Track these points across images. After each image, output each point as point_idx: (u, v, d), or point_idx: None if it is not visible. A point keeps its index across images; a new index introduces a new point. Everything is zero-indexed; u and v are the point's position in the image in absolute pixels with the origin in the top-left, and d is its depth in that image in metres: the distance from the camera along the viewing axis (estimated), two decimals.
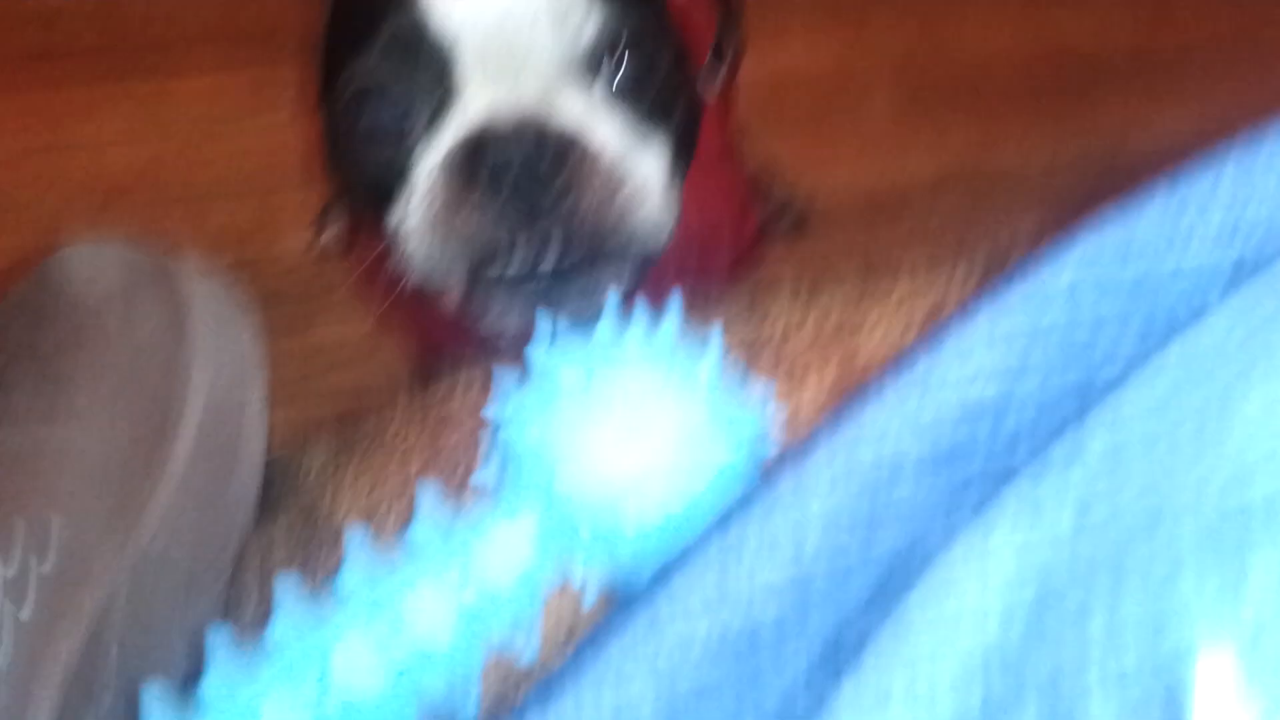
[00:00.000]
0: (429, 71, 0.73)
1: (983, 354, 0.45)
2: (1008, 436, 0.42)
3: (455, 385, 0.70)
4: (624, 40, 0.75)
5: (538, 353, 0.60)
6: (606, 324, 0.61)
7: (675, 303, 0.61)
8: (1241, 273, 0.44)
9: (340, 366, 1.43)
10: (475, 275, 0.74)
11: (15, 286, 0.75)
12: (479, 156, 0.71)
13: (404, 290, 0.88)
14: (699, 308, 0.76)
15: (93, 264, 0.74)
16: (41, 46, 1.66)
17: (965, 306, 0.49)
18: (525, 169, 0.70)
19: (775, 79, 1.65)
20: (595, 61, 0.75)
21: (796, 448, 0.43)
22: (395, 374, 1.38)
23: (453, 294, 0.77)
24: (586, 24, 0.74)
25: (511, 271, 0.73)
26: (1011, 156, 1.66)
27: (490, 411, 0.59)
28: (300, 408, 1.41)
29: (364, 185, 0.79)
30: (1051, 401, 0.42)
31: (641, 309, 0.62)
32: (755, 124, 1.57)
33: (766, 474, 0.42)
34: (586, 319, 0.78)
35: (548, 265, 0.73)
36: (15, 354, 0.70)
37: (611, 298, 0.63)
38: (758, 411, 0.61)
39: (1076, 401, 0.40)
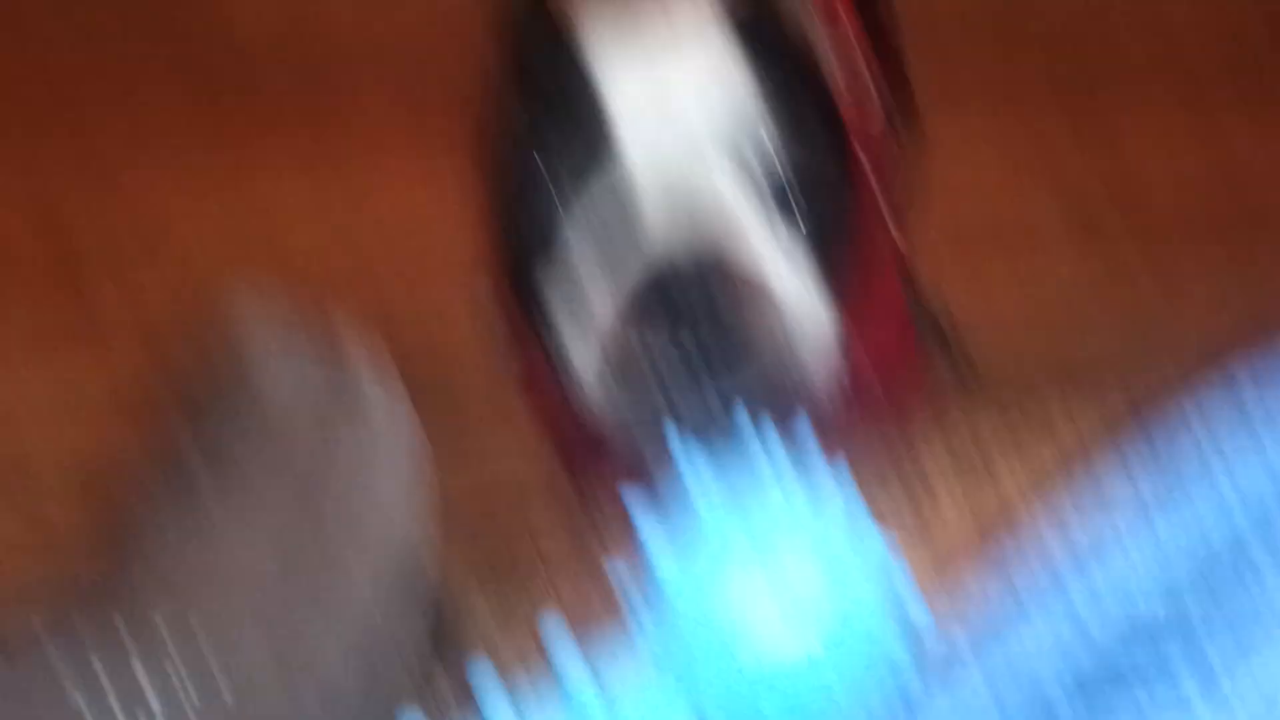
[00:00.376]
0: (614, 206, 0.76)
1: (1136, 567, 0.45)
2: (1157, 663, 0.41)
3: (609, 523, 0.71)
4: (803, 180, 0.77)
5: (688, 496, 0.61)
6: (757, 468, 0.62)
7: (813, 441, 0.62)
8: None
9: (504, 469, 1.45)
10: (642, 410, 0.76)
11: (210, 369, 0.79)
12: (657, 293, 0.73)
13: (567, 409, 0.92)
14: (847, 442, 0.77)
15: (282, 356, 0.78)
16: (243, 117, 1.75)
17: (1119, 491, 0.48)
18: (699, 303, 0.72)
19: (946, 203, 1.66)
20: (774, 200, 0.77)
21: (943, 658, 0.43)
22: (556, 501, 1.40)
23: (617, 427, 0.78)
24: (767, 163, 0.76)
25: (679, 408, 0.75)
26: (1187, 295, 1.62)
27: (639, 555, 0.60)
28: (457, 533, 1.45)
29: (548, 321, 0.81)
30: (1202, 629, 0.42)
31: (789, 451, 0.63)
32: (922, 250, 1.58)
33: (909, 690, 0.42)
34: (743, 458, 0.79)
35: (716, 403, 0.75)
36: (204, 440, 0.75)
37: (763, 438, 0.64)
38: (895, 559, 0.61)
39: (1223, 632, 0.40)
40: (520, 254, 0.82)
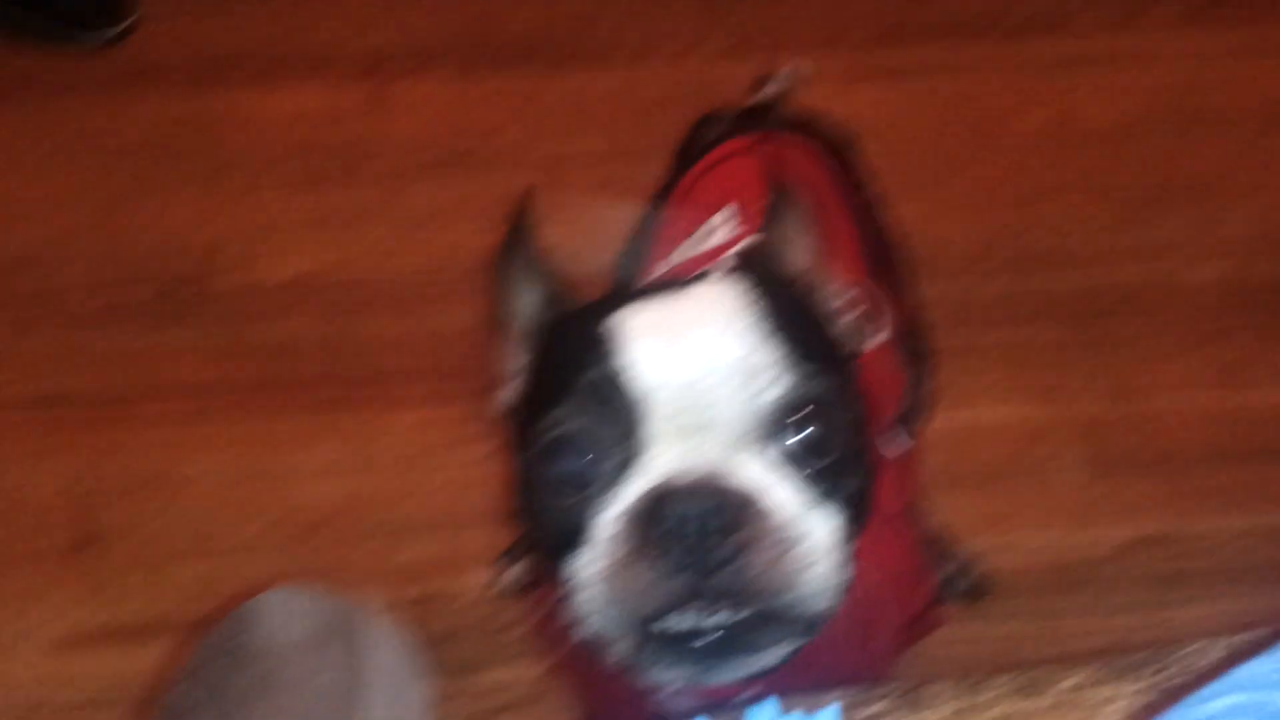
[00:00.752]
0: (619, 425, 0.78)
1: None
2: None
3: None
4: (807, 405, 0.79)
5: None
6: (768, 712, 0.62)
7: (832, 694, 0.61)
8: None
9: (510, 708, 1.46)
10: (644, 629, 0.76)
11: (218, 626, 0.81)
12: (658, 511, 0.74)
13: (574, 644, 0.93)
14: (860, 686, 0.76)
15: (286, 610, 0.79)
16: (266, 376, 1.81)
17: None
18: (701, 525, 0.73)
19: (961, 433, 1.69)
20: (778, 424, 0.78)
21: None
22: None
23: (619, 649, 0.78)
24: (772, 388, 0.78)
25: (680, 627, 0.75)
26: (1204, 526, 1.62)
27: None
28: None
29: (547, 533, 0.82)
30: None
31: (795, 696, 0.63)
32: (937, 479, 1.58)
33: None
34: (748, 683, 0.79)
35: (716, 622, 0.75)
36: (210, 692, 0.76)
37: (770, 696, 0.63)
38: None
39: None
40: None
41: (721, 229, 1.12)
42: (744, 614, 0.75)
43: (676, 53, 2.37)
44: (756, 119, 1.40)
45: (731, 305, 0.82)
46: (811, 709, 0.63)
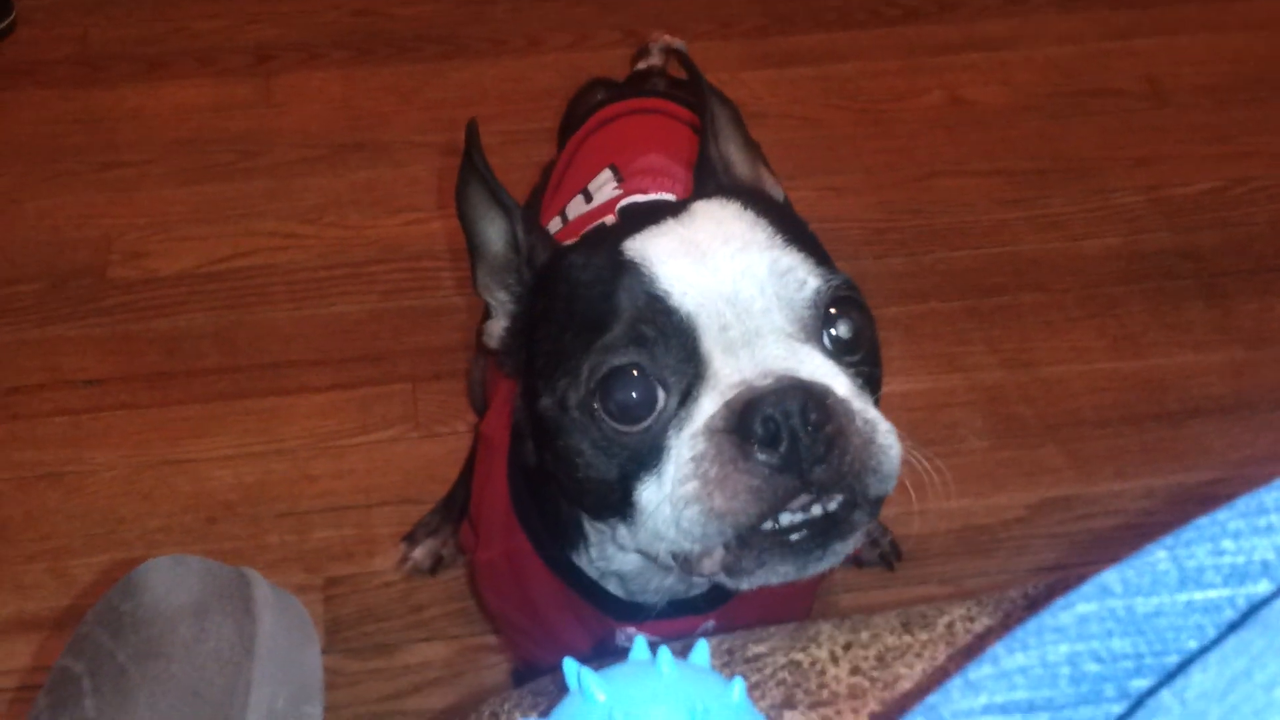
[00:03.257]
0: (677, 347, 0.78)
1: (992, 689, 0.46)
2: None
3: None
4: (836, 301, 0.81)
5: (572, 675, 0.61)
6: (639, 647, 0.62)
7: (704, 628, 0.62)
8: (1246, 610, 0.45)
9: (427, 686, 1.45)
10: (748, 533, 0.76)
11: (104, 595, 0.79)
12: (751, 416, 0.74)
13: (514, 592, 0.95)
14: (743, 627, 0.77)
15: (174, 576, 0.78)
16: (163, 367, 1.79)
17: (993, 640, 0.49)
18: (799, 422, 0.74)
19: None
20: (819, 321, 0.80)
21: None
22: (480, 696, 1.39)
23: (718, 559, 0.78)
24: (805, 288, 0.80)
25: (785, 523, 0.76)
26: (1106, 488, 1.65)
27: None
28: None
29: (599, 471, 0.81)
30: None
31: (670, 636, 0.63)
32: None
33: None
34: (835, 564, 0.80)
35: (817, 513, 0.76)
36: (95, 662, 0.74)
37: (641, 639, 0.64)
38: None
39: None
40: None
41: (605, 187, 1.14)
42: (840, 501, 0.76)
43: (568, 44, 2.40)
44: (637, 86, 1.42)
45: (741, 222, 0.84)
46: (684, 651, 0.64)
